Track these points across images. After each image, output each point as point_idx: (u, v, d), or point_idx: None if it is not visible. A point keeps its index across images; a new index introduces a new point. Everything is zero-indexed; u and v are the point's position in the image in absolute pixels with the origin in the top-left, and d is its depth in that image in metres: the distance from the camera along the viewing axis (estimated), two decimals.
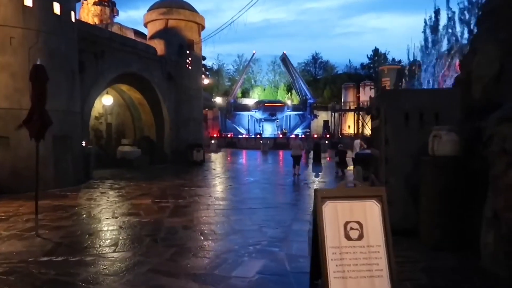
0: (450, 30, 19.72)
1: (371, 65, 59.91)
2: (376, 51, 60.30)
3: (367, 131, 47.76)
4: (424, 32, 21.27)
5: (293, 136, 44.53)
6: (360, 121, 48.91)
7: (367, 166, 10.92)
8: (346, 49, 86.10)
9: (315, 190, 3.70)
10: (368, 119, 47.81)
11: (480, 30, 7.75)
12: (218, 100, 50.23)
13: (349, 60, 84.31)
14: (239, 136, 46.05)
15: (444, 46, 20.02)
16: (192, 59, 21.48)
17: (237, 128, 48.45)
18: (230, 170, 18.46)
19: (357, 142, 19.48)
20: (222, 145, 40.22)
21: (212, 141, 35.59)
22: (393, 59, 55.77)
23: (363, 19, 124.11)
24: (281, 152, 33.53)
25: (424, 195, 5.78)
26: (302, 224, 6.91)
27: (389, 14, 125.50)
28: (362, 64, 61.32)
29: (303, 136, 44.91)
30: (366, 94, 48.07)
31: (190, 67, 21.39)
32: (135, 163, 17.86)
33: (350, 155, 16.62)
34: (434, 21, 20.62)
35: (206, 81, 24.36)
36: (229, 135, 45.23)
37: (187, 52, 21.25)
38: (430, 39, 20.28)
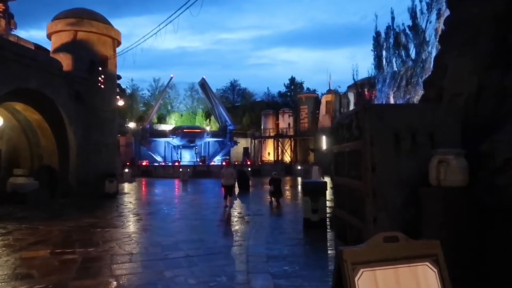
0: (396, 51, 20.07)
1: (288, 93, 61.25)
2: (292, 80, 62.01)
3: (287, 158, 48.07)
4: (374, 50, 21.48)
5: (224, 163, 42.78)
6: (280, 147, 49.09)
7: (316, 197, 9.69)
8: (260, 78, 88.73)
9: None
10: (287, 145, 48.37)
11: (446, 45, 7.09)
12: (132, 125, 46.76)
13: (267, 88, 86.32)
14: (155, 164, 42.99)
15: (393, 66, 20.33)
16: (105, 77, 18.95)
17: (153, 155, 45.29)
18: (150, 203, 16.09)
19: (316, 168, 18.57)
20: (137, 174, 36.89)
21: (126, 170, 32.32)
22: (308, 88, 57.73)
23: (274, 51, 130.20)
24: (201, 181, 31.53)
25: (425, 237, 4.54)
26: (264, 279, 5.26)
27: (298, 48, 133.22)
28: (279, 92, 62.50)
29: (223, 163, 43.45)
30: (285, 121, 48.55)
31: (102, 86, 18.81)
32: (31, 198, 14.62)
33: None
34: (384, 38, 20.84)
35: (121, 103, 21.70)
36: (144, 163, 41.93)
37: (100, 69, 18.71)
38: (383, 56, 20.42)
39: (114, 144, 20.31)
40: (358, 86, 15.03)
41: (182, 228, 9.85)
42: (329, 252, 7.15)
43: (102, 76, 18.87)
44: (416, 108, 5.11)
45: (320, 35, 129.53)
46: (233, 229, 9.89)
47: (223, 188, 14.52)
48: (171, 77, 48.45)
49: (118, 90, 21.10)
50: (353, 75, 17.62)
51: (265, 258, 6.59)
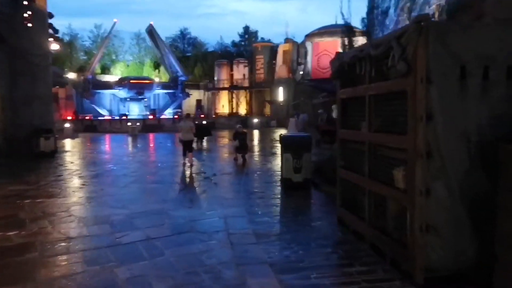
0: None
1: (242, 43, 58.34)
2: (246, 29, 58.92)
3: (242, 111, 46.26)
4: None
5: (176, 116, 40.05)
6: (235, 100, 47.07)
7: (299, 154, 8.15)
8: (211, 29, 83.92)
9: None
10: (242, 97, 46.24)
11: None
12: (72, 76, 42.33)
13: (220, 37, 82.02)
14: (100, 118, 39.58)
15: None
16: (32, 13, 15.69)
17: (98, 109, 41.65)
18: (96, 163, 13.88)
19: (293, 120, 16.95)
20: (80, 129, 33.62)
21: (67, 125, 29.13)
22: (262, 38, 55.19)
23: (224, 0, 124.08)
24: (151, 136, 29.19)
25: (505, 218, 3.12)
26: (264, 275, 3.70)
27: None
28: (233, 42, 59.34)
29: (176, 116, 40.92)
30: (240, 72, 46.27)
31: (30, 24, 15.60)
32: None
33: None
34: None
35: (55, 46, 18.47)
36: (87, 117, 38.41)
37: (25, 3, 15.40)
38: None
39: (49, 95, 17.37)
40: (350, 30, 12.63)
41: (136, 195, 8.00)
42: (334, 226, 5.70)
43: (29, 12, 15.59)
44: (493, 30, 3.47)
45: None
46: (200, 194, 8.19)
47: (181, 144, 12.67)
48: (114, 22, 43.86)
49: (50, 31, 17.81)
50: (343, 16, 15.02)
51: (253, 238, 5.02)
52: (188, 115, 15.91)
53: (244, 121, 41.65)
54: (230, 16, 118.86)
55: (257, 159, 14.17)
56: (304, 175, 8.29)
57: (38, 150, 15.06)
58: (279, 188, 8.70)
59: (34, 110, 15.85)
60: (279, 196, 7.89)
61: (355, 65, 4.82)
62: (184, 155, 12.52)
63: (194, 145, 13.21)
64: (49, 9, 17.62)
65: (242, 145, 13.33)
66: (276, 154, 15.71)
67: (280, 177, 9.49)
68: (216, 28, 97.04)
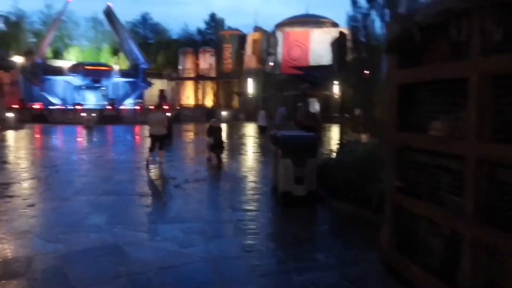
0: None
1: (209, 31, 55.52)
2: (213, 16, 56.10)
3: (208, 102, 43.79)
4: None
5: (137, 107, 36.99)
6: (200, 90, 44.56)
7: (301, 159, 6.22)
8: (173, 17, 79.84)
9: None
10: (208, 88, 43.63)
11: None
12: (19, 60, 38.18)
13: (185, 24, 78.35)
14: (51, 107, 35.88)
15: None
16: None
17: (48, 97, 37.81)
18: (35, 163, 11.32)
19: (263, 113, 15.03)
20: (27, 119, 30.08)
21: (9, 114, 25.71)
22: (229, 27, 52.73)
23: None
24: (109, 128, 26.36)
25: None
26: None
27: None
28: (198, 30, 56.34)
29: (137, 107, 37.91)
30: (206, 61, 43.72)
31: None
32: None
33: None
34: None
35: None
36: (36, 106, 34.65)
37: None
38: None
39: None
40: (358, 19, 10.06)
41: (80, 216, 5.76)
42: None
43: None
44: None
45: None
46: (170, 214, 6.06)
47: (150, 139, 10.50)
48: (67, 1, 39.90)
49: None
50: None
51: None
52: (159, 105, 13.48)
53: (211, 113, 39.30)
54: (193, 5, 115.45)
55: (232, 159, 12.13)
56: (307, 186, 6.39)
57: None
58: (272, 201, 6.76)
59: None
60: (277, 217, 5.95)
61: (445, 27, 2.89)
62: (151, 151, 10.35)
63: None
64: None
65: (217, 143, 11.22)
66: (254, 153, 13.74)
67: (270, 186, 7.56)
68: (179, 16, 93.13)
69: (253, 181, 8.53)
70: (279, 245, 4.64)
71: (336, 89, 31.57)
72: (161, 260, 4.09)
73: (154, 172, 9.64)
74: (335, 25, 41.85)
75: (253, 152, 13.99)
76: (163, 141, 10.68)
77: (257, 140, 18.61)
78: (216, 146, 11.25)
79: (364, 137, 8.74)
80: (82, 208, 6.17)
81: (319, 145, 6.77)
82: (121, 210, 6.08)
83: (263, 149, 15.04)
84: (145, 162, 10.35)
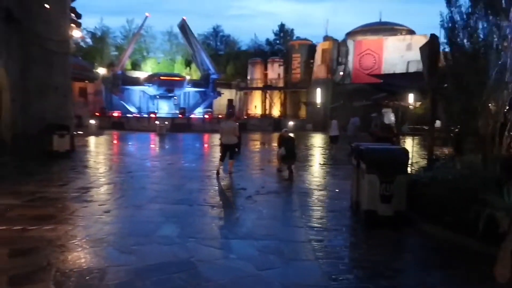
0: None
1: (277, 42, 55.76)
2: (282, 27, 56.27)
3: (275, 112, 43.67)
4: None
5: (207, 116, 38.10)
6: (268, 100, 44.63)
7: (389, 175, 5.55)
8: (243, 30, 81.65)
9: None
10: (276, 97, 43.48)
11: None
12: (102, 71, 41.08)
13: (255, 35, 79.75)
14: (128, 115, 37.99)
15: None
16: None
17: (126, 105, 40.15)
18: (111, 168, 11.69)
19: (335, 122, 14.58)
20: (107, 126, 32.08)
21: (92, 121, 27.50)
22: (298, 37, 52.37)
23: (254, 2, 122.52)
24: (180, 136, 27.09)
25: None
26: None
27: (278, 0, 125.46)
28: (267, 40, 56.75)
29: (206, 116, 38.82)
30: (275, 71, 43.75)
31: (47, 5, 13.68)
32: None
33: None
34: None
35: (77, 33, 16.58)
36: (115, 114, 36.88)
37: None
38: None
39: (67, 86, 15.42)
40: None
41: (153, 226, 5.59)
42: None
43: None
44: None
45: None
46: (243, 228, 5.69)
47: (221, 148, 10.39)
48: (146, 16, 42.28)
49: (72, 15, 15.93)
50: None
51: None
52: (231, 114, 13.33)
53: (277, 123, 39.08)
54: (260, 17, 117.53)
55: (304, 171, 11.58)
56: (395, 206, 5.68)
57: (51, 149, 13.06)
58: (352, 220, 6.13)
59: (49, 103, 13.89)
60: (361, 239, 5.32)
61: None
62: (222, 160, 10.21)
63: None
64: (80, 8, 15.74)
65: (289, 154, 10.77)
66: (326, 165, 13.09)
67: (349, 202, 6.92)
68: (248, 28, 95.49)
69: (329, 196, 7.93)
70: (370, 275, 4.02)
71: (411, 99, 29.89)
72: (238, 283, 3.70)
73: (224, 182, 9.43)
74: (410, 32, 39.80)
75: (325, 164, 13.33)
76: (233, 150, 10.47)
77: (328, 150, 17.89)
78: (288, 157, 10.81)
79: (451, 152, 7.81)
80: (155, 217, 6.03)
81: (409, 160, 6.00)
82: (193, 221, 5.84)
83: (335, 160, 14.33)
84: (215, 171, 10.20)
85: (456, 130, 17.83)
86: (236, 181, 9.55)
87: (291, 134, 12.05)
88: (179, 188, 8.41)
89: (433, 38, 7.42)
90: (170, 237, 5.04)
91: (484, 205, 5.08)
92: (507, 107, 5.50)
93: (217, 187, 8.75)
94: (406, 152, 5.90)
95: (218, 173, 10.07)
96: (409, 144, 18.12)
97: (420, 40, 37.38)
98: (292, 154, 10.98)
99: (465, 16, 6.21)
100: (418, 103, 30.30)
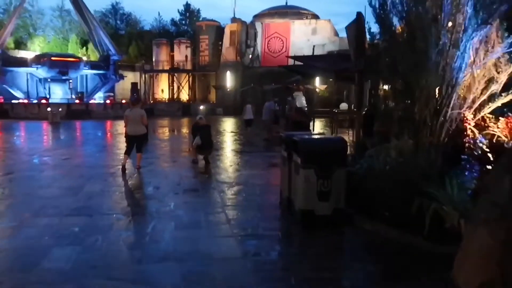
0: None
1: (184, 22, 53.28)
2: (188, 7, 53.78)
3: (184, 96, 41.81)
4: None
5: (108, 101, 34.66)
6: (175, 84, 42.59)
7: (327, 169, 4.93)
8: (145, 9, 76.50)
9: None
10: (184, 81, 41.36)
11: None
12: None
13: (159, 14, 75.26)
14: (14, 101, 33.20)
15: None
16: None
17: (11, 90, 35.00)
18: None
19: (249, 107, 13.91)
20: None
21: None
22: (205, 18, 50.65)
23: None
24: (78, 124, 24.32)
25: None
26: None
27: None
28: (173, 20, 53.88)
29: (108, 101, 35.62)
30: (182, 53, 41.72)
31: None
32: None
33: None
34: None
35: None
36: None
37: None
38: None
39: None
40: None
41: (41, 254, 4.22)
42: None
43: None
44: None
45: None
46: (162, 244, 4.60)
47: (126, 140, 8.96)
48: None
49: None
50: None
51: None
52: (137, 99, 11.68)
53: (187, 107, 37.51)
54: None
55: (221, 161, 10.68)
56: (334, 203, 5.07)
57: None
58: (287, 222, 5.42)
59: None
60: (301, 245, 4.60)
61: None
62: (128, 154, 8.82)
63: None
64: None
65: (206, 144, 9.75)
66: (245, 153, 12.34)
67: (278, 198, 6.21)
68: (150, 8, 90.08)
69: (254, 192, 7.14)
70: None
71: (317, 82, 30.58)
72: None
73: (132, 179, 8.11)
74: (315, 16, 40.74)
75: (243, 152, 12.58)
76: (141, 142, 9.11)
77: (243, 136, 17.22)
78: (204, 147, 9.80)
79: (378, 137, 7.50)
80: (41, 239, 4.61)
81: (347, 151, 5.41)
82: (94, 241, 4.55)
83: (252, 147, 13.69)
84: (121, 167, 8.79)
85: (364, 113, 17.92)
86: (147, 178, 8.29)
87: (208, 122, 10.99)
88: (76, 192, 6.89)
89: (360, 17, 6.94)
90: (62, 270, 3.75)
91: (428, 199, 4.71)
92: (444, 91, 5.17)
93: (123, 188, 7.42)
94: (344, 142, 5.29)
95: (124, 169, 8.69)
96: (318, 126, 18.29)
97: (324, 24, 38.60)
98: (209, 143, 10.00)
99: None
100: (324, 86, 31.29)
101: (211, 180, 8.24)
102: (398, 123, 6.02)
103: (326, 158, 5.01)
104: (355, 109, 21.94)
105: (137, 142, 8.87)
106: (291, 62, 35.21)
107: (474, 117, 5.58)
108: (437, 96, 5.25)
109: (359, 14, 6.86)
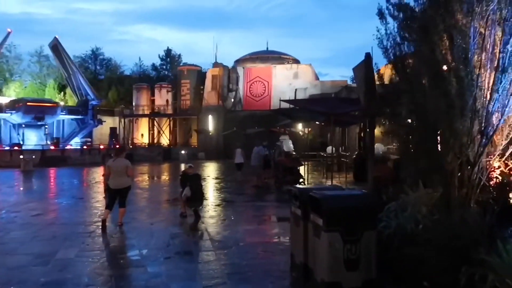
0: None
1: (164, 67, 53.27)
2: (169, 52, 54.02)
3: (164, 140, 40.80)
4: None
5: (85, 147, 33.32)
6: (156, 128, 41.71)
7: (355, 232, 4.13)
8: (126, 55, 76.94)
9: None
10: (164, 125, 40.45)
11: None
12: None
13: (139, 59, 75.59)
14: None
15: None
16: None
17: None
18: None
19: (239, 151, 13.18)
20: None
21: None
22: (185, 63, 50.79)
23: (138, 28, 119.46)
24: (52, 172, 22.94)
25: None
26: None
27: (164, 27, 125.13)
28: (153, 65, 53.80)
29: (85, 146, 34.33)
30: (163, 98, 41.23)
31: None
32: None
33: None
34: None
35: None
36: None
37: None
38: None
39: None
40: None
41: None
42: None
43: None
44: None
45: (186, 16, 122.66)
46: None
47: (107, 193, 8.01)
48: (8, 32, 36.36)
49: None
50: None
51: None
52: (121, 149, 10.70)
53: (167, 152, 36.49)
54: (144, 43, 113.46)
55: (211, 213, 9.72)
56: (364, 273, 4.22)
57: None
58: None
59: None
60: None
61: None
62: (109, 208, 7.81)
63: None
64: None
65: (196, 195, 8.82)
66: (233, 203, 11.42)
67: (289, 262, 5.31)
68: (131, 54, 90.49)
69: (258, 255, 6.22)
70: None
71: (299, 126, 30.26)
72: None
73: (114, 240, 7.06)
74: (296, 61, 41.36)
75: (234, 202, 11.65)
76: (125, 196, 8.12)
77: (230, 182, 16.34)
78: (195, 198, 8.87)
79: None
80: None
81: (378, 208, 4.63)
82: None
83: (244, 196, 12.81)
84: (101, 224, 7.75)
85: (354, 156, 17.30)
86: (130, 237, 7.27)
87: (197, 171, 10.12)
88: (47, 261, 5.79)
89: (369, 58, 6.44)
90: None
91: (479, 266, 3.95)
92: (480, 138, 4.55)
93: (104, 252, 6.36)
94: (372, 197, 4.54)
95: (104, 227, 7.66)
96: (305, 171, 17.60)
97: (305, 69, 39.07)
98: (199, 195, 9.09)
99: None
100: (308, 129, 31.02)
101: (204, 238, 7.27)
102: (423, 172, 5.36)
103: (353, 218, 4.22)
104: (344, 153, 21.57)
105: (120, 196, 7.89)
106: (274, 106, 35.32)
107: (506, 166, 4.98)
108: (471, 143, 4.63)
109: (367, 55, 6.36)
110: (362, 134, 18.25)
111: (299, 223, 4.98)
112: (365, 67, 6.27)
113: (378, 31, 5.80)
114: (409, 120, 5.68)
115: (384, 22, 5.79)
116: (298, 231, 5.04)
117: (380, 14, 5.90)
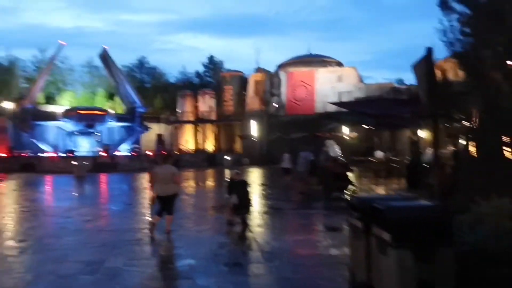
0: None
1: (207, 74, 54.09)
2: (211, 58, 54.84)
3: (209, 146, 41.26)
4: None
5: (134, 153, 34.45)
6: (200, 134, 42.24)
7: (428, 249, 3.59)
8: (169, 64, 79.26)
9: None
10: (208, 131, 41.02)
11: None
12: (9, 105, 35.99)
13: (183, 67, 77.67)
14: (40, 155, 33.21)
15: None
16: None
17: (39, 144, 35.26)
18: (12, 231, 8.49)
19: (287, 156, 12.98)
20: (15, 169, 27.38)
21: None
22: (228, 69, 51.28)
23: (180, 37, 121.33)
24: (104, 178, 23.65)
25: None
26: None
27: (204, 35, 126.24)
28: (197, 72, 54.83)
29: (134, 152, 35.37)
30: (206, 104, 41.73)
31: None
32: None
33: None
34: None
35: None
36: (24, 154, 31.98)
37: None
38: None
39: None
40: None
41: None
42: None
43: None
44: None
45: (226, 24, 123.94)
46: None
47: (154, 201, 7.90)
48: (61, 44, 38.32)
49: None
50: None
51: None
52: (168, 155, 10.77)
53: (212, 158, 36.76)
54: (187, 52, 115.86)
55: (258, 221, 9.39)
56: None
57: None
58: None
59: None
60: None
61: None
62: (159, 215, 7.69)
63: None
64: None
65: (243, 203, 8.54)
66: (280, 211, 11.04)
67: (348, 278, 4.85)
68: (174, 62, 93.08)
69: (312, 268, 5.80)
70: None
71: (345, 129, 29.40)
72: None
73: (162, 249, 6.91)
74: (339, 64, 40.48)
75: (281, 209, 11.27)
76: (173, 203, 7.97)
77: (276, 188, 16.00)
78: (242, 206, 8.58)
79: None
80: None
81: (452, 222, 4.10)
82: None
83: (289, 203, 12.41)
84: (149, 232, 7.66)
85: (409, 161, 16.20)
86: (178, 246, 7.10)
87: (244, 177, 9.87)
88: (96, 269, 5.70)
89: (430, 53, 5.86)
90: None
91: None
92: None
93: (153, 262, 6.21)
94: (446, 209, 4.01)
95: (152, 235, 7.54)
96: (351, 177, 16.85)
97: (349, 71, 38.12)
98: (246, 202, 8.77)
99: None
100: (354, 134, 30.10)
101: (253, 249, 6.95)
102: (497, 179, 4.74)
103: (426, 233, 3.71)
104: (394, 158, 20.58)
105: (168, 203, 7.74)
106: (317, 110, 34.63)
107: None
108: None
109: (429, 50, 5.78)
110: (416, 138, 17.28)
111: (360, 236, 4.52)
112: (426, 63, 5.71)
113: (440, 23, 5.27)
114: (477, 120, 5.09)
115: (448, 12, 5.25)
116: (358, 245, 4.57)
117: (444, 4, 5.37)
